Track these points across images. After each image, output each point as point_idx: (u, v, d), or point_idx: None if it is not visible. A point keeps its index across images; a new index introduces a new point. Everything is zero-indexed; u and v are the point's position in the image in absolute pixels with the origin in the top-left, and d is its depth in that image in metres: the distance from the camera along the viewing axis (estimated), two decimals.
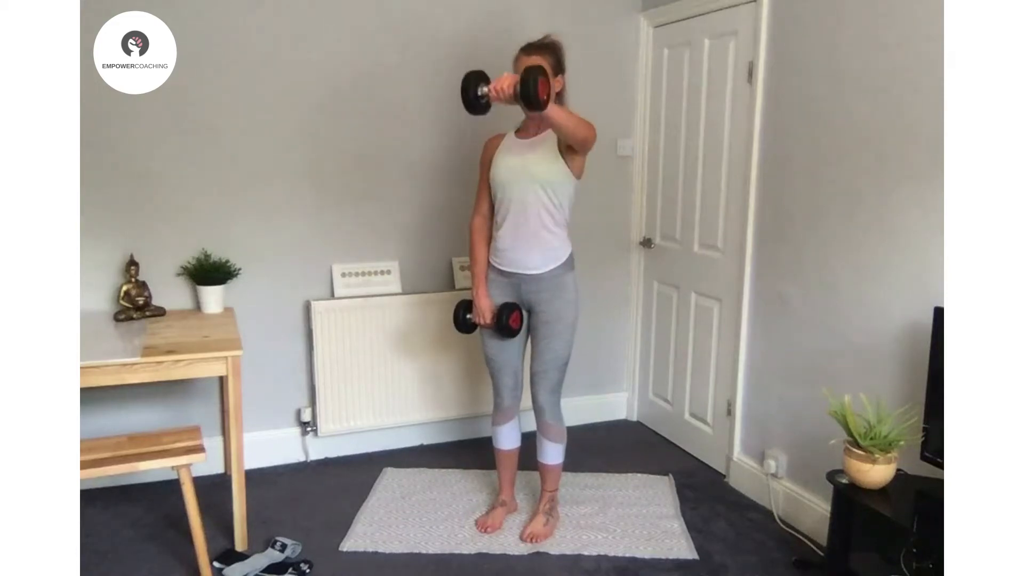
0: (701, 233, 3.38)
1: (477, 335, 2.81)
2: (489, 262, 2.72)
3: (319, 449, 3.45)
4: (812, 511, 2.79)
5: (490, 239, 2.72)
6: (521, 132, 2.64)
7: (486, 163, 2.69)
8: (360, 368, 3.38)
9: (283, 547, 2.60)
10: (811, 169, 2.73)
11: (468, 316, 2.72)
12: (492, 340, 2.73)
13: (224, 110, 3.08)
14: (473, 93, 2.29)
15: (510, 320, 2.58)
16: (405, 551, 2.68)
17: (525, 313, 2.69)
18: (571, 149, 2.51)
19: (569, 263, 2.64)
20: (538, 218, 2.56)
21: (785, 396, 2.93)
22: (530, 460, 2.88)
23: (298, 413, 3.41)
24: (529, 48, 2.51)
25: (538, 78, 2.15)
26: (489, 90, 2.28)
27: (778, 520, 2.91)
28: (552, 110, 2.25)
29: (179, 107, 3.01)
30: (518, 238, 2.59)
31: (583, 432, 3.77)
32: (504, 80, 2.24)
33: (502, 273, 2.67)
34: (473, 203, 2.80)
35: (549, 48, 2.52)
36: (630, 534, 2.81)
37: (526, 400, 2.82)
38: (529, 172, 2.54)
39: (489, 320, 2.66)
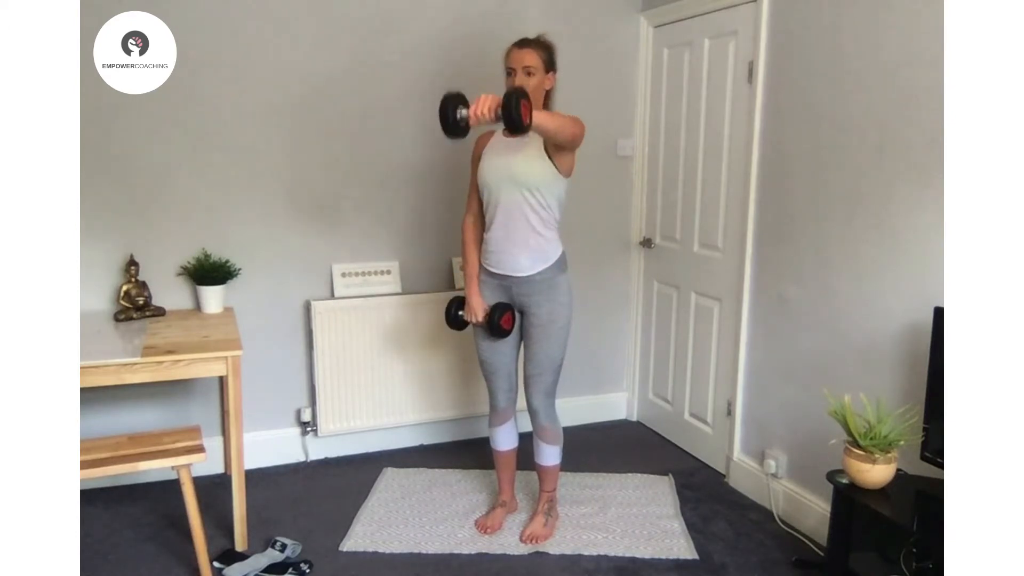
0: (701, 233, 3.38)
1: (470, 337, 2.80)
2: (480, 263, 2.71)
3: (319, 449, 3.45)
4: (812, 511, 2.79)
5: (482, 238, 2.70)
6: (507, 129, 2.60)
7: (476, 161, 2.67)
8: (360, 368, 3.38)
9: (283, 547, 2.60)
10: (811, 169, 2.73)
11: (460, 312, 2.71)
12: (485, 343, 2.71)
13: (225, 110, 3.08)
14: (452, 117, 2.20)
15: (501, 320, 2.56)
16: (405, 551, 2.68)
17: (518, 315, 2.67)
18: (559, 148, 2.46)
19: (560, 264, 2.62)
20: (525, 220, 2.54)
21: (785, 396, 2.93)
22: (529, 460, 2.88)
23: (298, 413, 3.41)
24: (523, 43, 2.50)
25: (520, 100, 2.09)
26: (469, 113, 2.18)
27: (778, 520, 2.91)
28: (537, 117, 2.17)
29: (179, 107, 3.01)
30: (506, 240, 2.57)
31: (583, 432, 3.77)
32: (484, 103, 2.15)
33: (493, 275, 2.65)
34: (466, 201, 2.78)
35: (543, 44, 2.51)
36: (630, 534, 2.81)
37: (522, 401, 2.81)
38: (513, 175, 2.51)
39: (481, 319, 2.64)
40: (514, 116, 2.10)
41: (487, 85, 3.20)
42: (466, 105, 2.20)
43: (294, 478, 3.27)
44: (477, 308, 2.65)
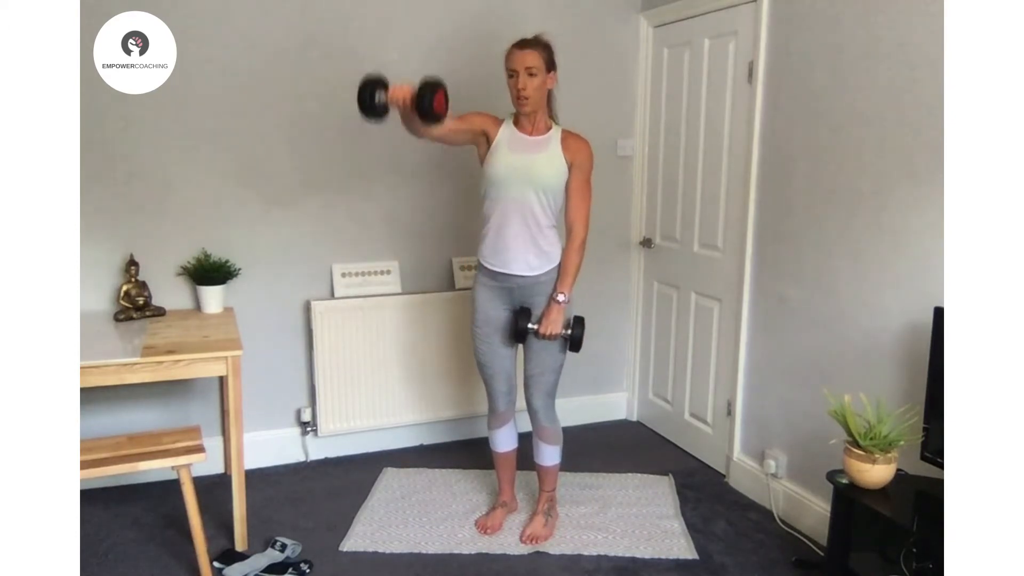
0: (701, 233, 3.38)
1: (470, 337, 2.78)
2: (479, 263, 2.69)
3: (319, 449, 3.45)
4: (812, 511, 2.79)
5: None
6: (520, 126, 2.57)
7: (480, 123, 2.55)
8: (360, 368, 3.38)
9: (283, 547, 2.60)
10: (811, 169, 2.73)
11: (377, 96, 2.26)
12: (484, 346, 2.70)
13: (224, 110, 3.08)
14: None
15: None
16: (405, 551, 2.68)
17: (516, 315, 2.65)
18: (575, 169, 2.53)
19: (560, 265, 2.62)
20: (533, 219, 2.54)
21: (785, 396, 2.93)
22: (529, 460, 2.88)
23: (298, 413, 3.41)
24: (523, 43, 2.50)
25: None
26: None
27: (778, 520, 2.91)
28: (568, 283, 2.57)
29: (179, 107, 3.01)
30: (511, 239, 2.56)
31: (583, 432, 3.77)
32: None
33: (494, 276, 2.63)
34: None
35: (542, 44, 2.51)
36: (630, 534, 2.81)
37: (521, 401, 2.81)
38: (532, 176, 2.51)
39: (407, 93, 2.25)
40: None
41: (487, 84, 3.21)
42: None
43: (294, 478, 3.27)
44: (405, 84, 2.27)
